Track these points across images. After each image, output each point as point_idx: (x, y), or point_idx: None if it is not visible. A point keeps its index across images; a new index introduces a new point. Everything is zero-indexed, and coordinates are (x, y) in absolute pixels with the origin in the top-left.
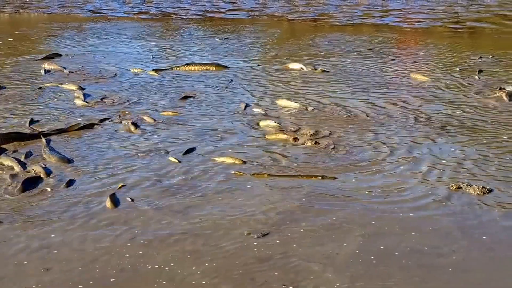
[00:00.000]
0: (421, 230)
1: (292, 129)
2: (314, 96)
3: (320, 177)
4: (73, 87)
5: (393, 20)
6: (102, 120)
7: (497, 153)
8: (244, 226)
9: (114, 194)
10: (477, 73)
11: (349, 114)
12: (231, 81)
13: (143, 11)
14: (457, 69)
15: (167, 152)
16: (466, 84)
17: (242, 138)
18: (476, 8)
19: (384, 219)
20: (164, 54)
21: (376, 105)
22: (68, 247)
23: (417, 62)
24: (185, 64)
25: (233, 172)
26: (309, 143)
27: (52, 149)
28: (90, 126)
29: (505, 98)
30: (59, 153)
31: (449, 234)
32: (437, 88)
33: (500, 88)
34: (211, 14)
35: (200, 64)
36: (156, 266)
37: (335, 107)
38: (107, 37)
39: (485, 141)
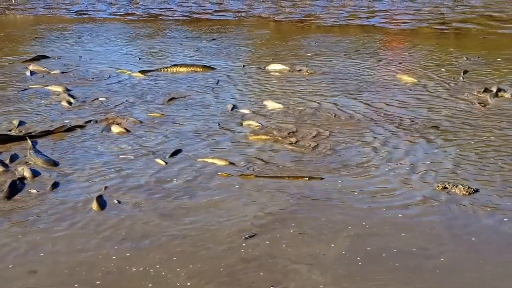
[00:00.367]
0: (410, 231)
1: (276, 130)
2: (300, 97)
3: (307, 178)
4: (59, 89)
5: (379, 21)
6: (88, 122)
7: (483, 153)
8: (232, 228)
9: (101, 196)
10: (462, 73)
11: (335, 115)
12: (218, 82)
13: (130, 12)
14: (443, 70)
15: (154, 154)
16: (452, 85)
17: (229, 139)
18: (462, 9)
19: (372, 220)
20: (150, 55)
21: (362, 106)
22: (54, 249)
23: (403, 63)
24: (172, 66)
25: (220, 173)
26: (293, 145)
27: (37, 152)
28: (76, 128)
29: (489, 99)
30: (45, 156)
31: (437, 235)
32: (423, 89)
33: (485, 89)
34: (198, 15)
35: (186, 66)
36: (141, 269)
37: (321, 108)
38: (93, 38)
39: (472, 142)
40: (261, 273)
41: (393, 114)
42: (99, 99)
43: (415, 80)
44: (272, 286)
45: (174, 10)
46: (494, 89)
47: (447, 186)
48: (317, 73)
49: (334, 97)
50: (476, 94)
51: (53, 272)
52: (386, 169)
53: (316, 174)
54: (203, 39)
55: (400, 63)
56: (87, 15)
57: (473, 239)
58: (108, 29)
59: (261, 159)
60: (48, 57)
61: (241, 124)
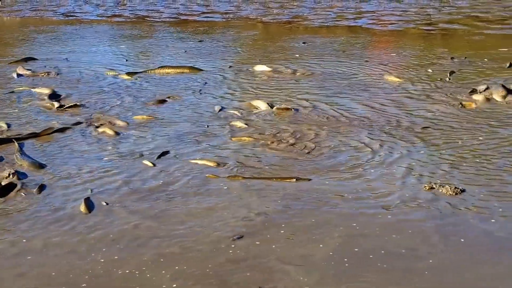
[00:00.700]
0: (398, 232)
1: (264, 131)
2: (287, 98)
3: (295, 179)
4: (46, 91)
5: (366, 22)
6: (75, 124)
7: (470, 153)
8: (220, 229)
9: (88, 198)
10: (449, 74)
11: (323, 116)
12: (205, 83)
13: (117, 14)
14: (430, 70)
15: (141, 156)
16: (438, 86)
17: (217, 141)
18: (448, 10)
19: (360, 221)
20: (138, 57)
21: (349, 107)
22: (41, 252)
23: (390, 64)
24: (159, 67)
25: (207, 175)
26: (280, 146)
27: (24, 154)
28: (63, 130)
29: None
30: (31, 158)
31: (426, 236)
32: (410, 90)
33: (472, 90)
34: (185, 17)
35: (174, 67)
36: (127, 271)
37: (308, 109)
38: (80, 40)
39: (460, 142)
40: (248, 274)
41: (380, 114)
42: (87, 101)
43: (402, 81)
44: (259, 287)
45: (161, 12)
46: (482, 88)
47: (434, 186)
48: (305, 74)
49: (321, 98)
50: (462, 94)
51: (40, 274)
52: (373, 170)
53: (304, 175)
54: (191, 40)
55: (387, 64)
56: (74, 17)
57: (462, 240)
58: (95, 31)
59: (249, 161)
60: (35, 59)
61: (229, 125)
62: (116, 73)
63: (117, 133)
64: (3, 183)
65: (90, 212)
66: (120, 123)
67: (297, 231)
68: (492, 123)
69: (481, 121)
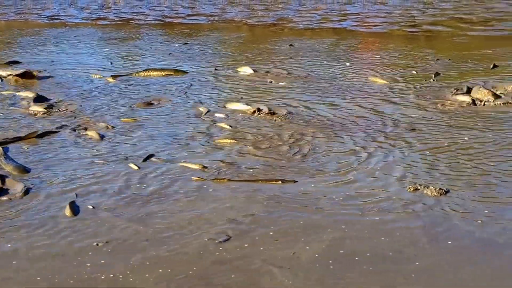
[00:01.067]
0: (386, 234)
1: (249, 133)
2: (273, 100)
3: (280, 181)
4: (30, 94)
5: (351, 24)
6: (60, 128)
7: (454, 155)
8: (206, 232)
9: (73, 202)
10: (434, 76)
11: (307, 119)
12: (191, 86)
13: (102, 17)
14: (414, 72)
15: (127, 159)
16: (423, 87)
17: (202, 143)
18: (432, 12)
19: (346, 223)
20: (123, 59)
21: (334, 109)
22: (26, 257)
23: (375, 66)
24: (144, 70)
25: (193, 178)
26: (266, 147)
27: (8, 158)
28: (48, 133)
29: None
30: (16, 162)
31: (413, 238)
32: (395, 92)
33: (456, 90)
34: (170, 20)
35: (159, 70)
36: (111, 276)
37: (293, 111)
38: (65, 43)
39: (446, 144)
40: (233, 275)
41: (364, 116)
42: (71, 104)
43: (387, 83)
44: None
45: (146, 14)
46: (465, 91)
47: (419, 187)
48: (290, 76)
49: (306, 100)
50: (447, 95)
51: (25, 279)
52: (358, 171)
53: (289, 177)
54: (176, 43)
55: (372, 65)
56: (59, 20)
57: (450, 242)
58: (80, 34)
59: (234, 163)
60: (20, 63)
61: (214, 127)
62: (101, 76)
63: (102, 136)
64: None
65: (75, 216)
66: (105, 126)
67: (284, 233)
68: (476, 124)
69: (465, 122)
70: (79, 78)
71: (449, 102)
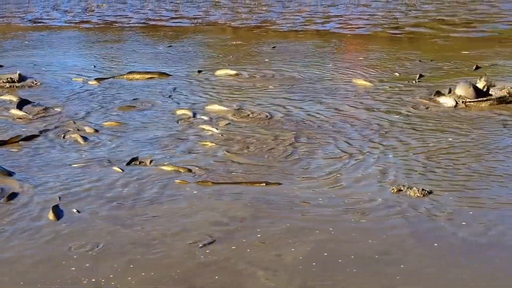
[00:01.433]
0: (372, 236)
1: (233, 135)
2: (256, 102)
3: (264, 184)
4: (13, 98)
5: (335, 26)
6: (43, 132)
7: (438, 155)
8: (190, 235)
9: (57, 206)
10: (417, 77)
11: (291, 121)
12: (175, 89)
13: (85, 20)
14: (397, 74)
15: (110, 162)
16: (406, 88)
17: (186, 146)
18: (415, 14)
19: (330, 225)
20: (106, 63)
21: (318, 111)
22: (10, 261)
23: (358, 68)
24: (128, 73)
25: (177, 180)
26: (250, 150)
27: None
28: (31, 137)
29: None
30: None
31: (399, 241)
32: (378, 93)
33: (437, 92)
34: (154, 22)
35: (143, 73)
36: (94, 280)
37: (277, 113)
38: (48, 46)
39: (430, 144)
40: (217, 277)
41: (348, 118)
42: (54, 108)
43: (370, 84)
44: None
45: (130, 17)
46: (447, 92)
47: (402, 188)
48: (274, 78)
49: (290, 103)
50: (429, 97)
51: (9, 284)
52: (342, 174)
53: (273, 180)
54: (160, 46)
55: (356, 67)
56: (42, 23)
57: (436, 244)
58: (63, 37)
59: (218, 165)
60: (1, 66)
61: (198, 130)
62: (85, 79)
63: (86, 140)
64: None
65: (58, 220)
66: (89, 129)
67: (270, 236)
68: (459, 124)
69: (448, 122)
70: (62, 81)
71: (432, 103)
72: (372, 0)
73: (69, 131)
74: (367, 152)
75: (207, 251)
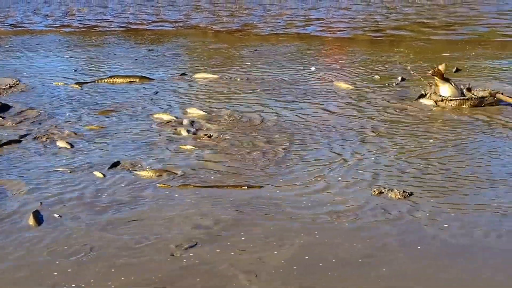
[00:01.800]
0: (351, 239)
1: (214, 139)
2: (238, 105)
3: (246, 187)
4: None
5: (316, 29)
6: (23, 136)
7: (419, 157)
8: (172, 238)
9: (37, 211)
10: (399, 79)
11: (273, 124)
12: (156, 92)
13: (66, 24)
14: (377, 77)
15: (92, 167)
16: (387, 91)
17: (168, 150)
18: (395, 17)
19: (312, 229)
20: (87, 66)
21: (300, 114)
22: None
23: (339, 70)
24: (109, 77)
25: (158, 184)
26: (231, 153)
27: None
28: (11, 142)
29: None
30: None
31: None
32: (359, 96)
33: (420, 95)
34: (135, 26)
35: (124, 76)
36: (74, 285)
37: (259, 117)
38: (29, 51)
39: (412, 146)
40: (198, 279)
41: (329, 121)
42: (35, 112)
43: (351, 87)
44: None
45: (111, 21)
46: (428, 94)
47: (383, 190)
48: (255, 81)
49: (271, 106)
50: (411, 99)
51: None
52: (324, 176)
53: (254, 183)
54: (141, 49)
55: (337, 70)
56: (23, 28)
57: (419, 247)
58: (44, 41)
59: (200, 169)
60: None
61: (180, 134)
62: (65, 84)
63: (67, 144)
64: None
65: (39, 225)
66: (70, 133)
67: (253, 239)
68: (440, 127)
69: (429, 125)
70: (43, 86)
71: (412, 105)
72: (352, 3)
73: (49, 135)
74: (349, 155)
75: (190, 254)
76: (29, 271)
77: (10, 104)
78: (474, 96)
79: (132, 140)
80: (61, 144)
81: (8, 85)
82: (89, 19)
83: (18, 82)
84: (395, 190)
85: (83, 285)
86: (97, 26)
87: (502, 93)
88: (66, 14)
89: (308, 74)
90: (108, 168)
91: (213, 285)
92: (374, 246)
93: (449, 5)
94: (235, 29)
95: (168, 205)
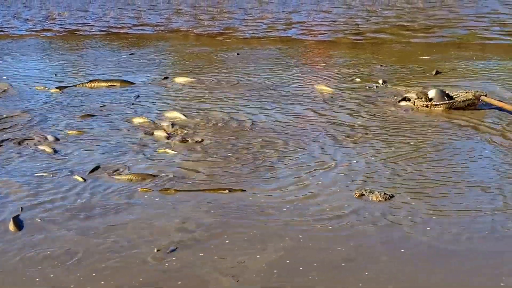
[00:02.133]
0: (332, 243)
1: (195, 142)
2: (219, 109)
3: (227, 191)
4: None
5: (297, 33)
6: (3, 141)
7: (400, 159)
8: (154, 242)
9: (17, 216)
10: (381, 82)
11: (254, 127)
12: (138, 96)
13: (46, 28)
14: (357, 79)
15: (72, 172)
16: (367, 94)
17: (149, 154)
18: (376, 20)
19: (295, 233)
20: (68, 71)
21: (281, 117)
22: None
23: (320, 74)
24: (90, 81)
25: (139, 188)
26: (211, 156)
27: None
28: None
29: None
30: None
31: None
32: (340, 99)
33: (404, 98)
34: (116, 30)
35: (105, 81)
36: None
37: (240, 120)
38: (9, 55)
39: (393, 148)
40: (179, 283)
41: (310, 124)
42: (15, 117)
43: (332, 90)
44: None
45: (91, 25)
46: (409, 96)
47: (364, 193)
48: (237, 85)
49: (253, 109)
50: (391, 102)
51: None
52: (305, 180)
53: (236, 187)
54: (122, 53)
55: (318, 73)
56: (2, 32)
57: (402, 251)
58: (25, 46)
59: (181, 173)
60: None
61: (160, 138)
62: (46, 88)
63: (48, 148)
64: None
65: (20, 230)
66: (50, 138)
67: (235, 243)
68: (421, 129)
69: (410, 127)
70: (23, 90)
71: (393, 108)
72: (333, 7)
73: (30, 140)
74: (330, 158)
75: (172, 258)
76: (10, 277)
77: None
78: (458, 100)
79: (112, 145)
80: (41, 148)
81: None
82: (70, 23)
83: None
84: (376, 193)
85: None
86: (78, 30)
87: (485, 95)
88: (47, 18)
89: (289, 78)
90: (89, 173)
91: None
92: (356, 250)
93: (428, 8)
94: (216, 32)
95: (149, 209)
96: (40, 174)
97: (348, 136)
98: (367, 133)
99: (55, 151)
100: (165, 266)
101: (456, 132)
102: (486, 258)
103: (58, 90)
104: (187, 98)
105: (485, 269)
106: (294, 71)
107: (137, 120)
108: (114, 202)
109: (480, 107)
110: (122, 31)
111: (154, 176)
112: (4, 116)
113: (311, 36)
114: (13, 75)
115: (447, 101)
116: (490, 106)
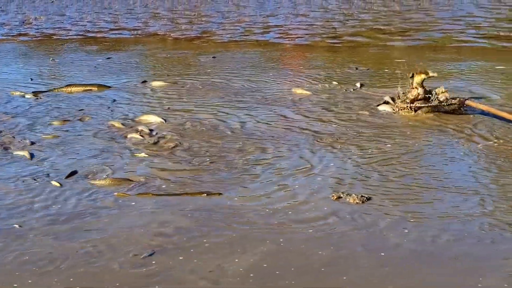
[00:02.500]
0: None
1: (172, 146)
2: (197, 113)
3: (205, 194)
4: None
5: (274, 36)
6: None
7: (378, 162)
8: (132, 247)
9: None
10: (358, 86)
11: (231, 131)
12: (114, 100)
13: (22, 32)
14: (335, 82)
15: (49, 176)
16: (344, 97)
17: (126, 158)
18: (352, 23)
19: (273, 236)
20: (44, 75)
21: (258, 121)
22: None
23: (298, 77)
24: (66, 85)
25: (116, 193)
26: (188, 160)
27: None
28: None
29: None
30: None
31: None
32: (318, 102)
33: (385, 102)
34: (93, 34)
35: (81, 85)
36: None
37: (216, 122)
38: None
39: (370, 152)
40: (157, 287)
41: (287, 127)
42: None
43: (309, 93)
44: None
45: (68, 30)
46: (387, 98)
47: (341, 195)
48: (214, 88)
49: (230, 112)
50: (368, 105)
51: None
52: (283, 183)
53: (214, 190)
54: (99, 57)
55: (295, 77)
56: None
57: (382, 254)
58: (0, 50)
59: (158, 177)
60: None
61: (137, 142)
62: (22, 93)
63: (23, 153)
64: None
65: None
66: (26, 143)
67: (214, 247)
68: (400, 132)
69: (389, 131)
70: None
71: (372, 111)
72: (310, 10)
73: (5, 145)
74: (309, 161)
75: (150, 262)
76: None
77: None
78: (442, 104)
79: (89, 149)
80: (17, 153)
81: None
82: (47, 28)
83: None
84: (353, 195)
85: None
86: (54, 35)
87: (469, 99)
88: (23, 22)
89: (267, 81)
90: (66, 178)
91: None
92: (336, 253)
93: (404, 11)
94: (194, 36)
95: (127, 214)
96: (16, 179)
97: (325, 140)
98: (344, 137)
99: (31, 155)
100: (143, 271)
101: (434, 135)
102: (465, 260)
103: (34, 95)
104: (165, 102)
105: (464, 270)
106: (272, 74)
107: (114, 124)
108: (91, 207)
109: (466, 112)
110: (99, 35)
111: (131, 180)
112: None
113: (289, 40)
114: None
115: (429, 105)
116: (474, 111)
